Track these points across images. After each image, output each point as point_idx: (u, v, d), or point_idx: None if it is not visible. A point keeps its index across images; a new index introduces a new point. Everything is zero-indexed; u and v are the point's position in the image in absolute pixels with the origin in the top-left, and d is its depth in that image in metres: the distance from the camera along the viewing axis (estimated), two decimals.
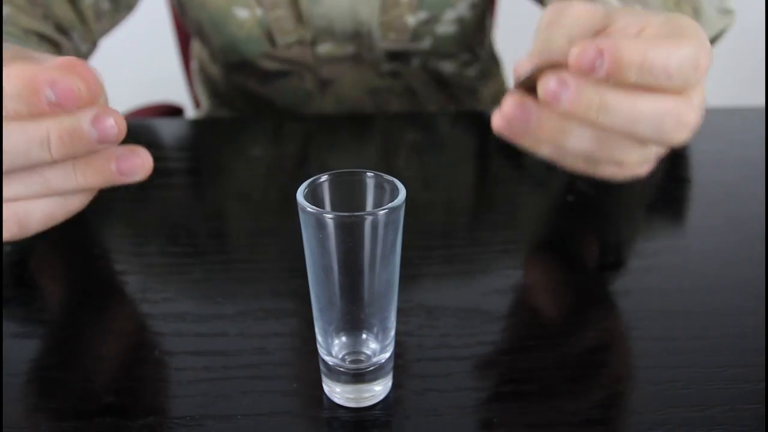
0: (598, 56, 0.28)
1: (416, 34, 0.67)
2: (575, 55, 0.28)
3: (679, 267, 0.40)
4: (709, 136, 0.59)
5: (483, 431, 0.29)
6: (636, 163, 0.33)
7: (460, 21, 0.69)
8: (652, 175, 0.50)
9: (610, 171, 0.33)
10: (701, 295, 0.37)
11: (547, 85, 0.29)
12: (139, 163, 0.31)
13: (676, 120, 0.30)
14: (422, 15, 0.66)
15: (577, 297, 0.38)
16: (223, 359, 0.33)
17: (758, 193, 0.48)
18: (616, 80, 0.29)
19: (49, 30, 0.52)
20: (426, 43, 0.69)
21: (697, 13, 0.51)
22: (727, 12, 0.54)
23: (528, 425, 0.29)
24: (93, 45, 0.59)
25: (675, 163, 0.54)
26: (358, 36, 0.65)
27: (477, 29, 0.73)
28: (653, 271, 0.39)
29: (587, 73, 0.28)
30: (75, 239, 0.43)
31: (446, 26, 0.68)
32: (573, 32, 0.32)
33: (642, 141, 0.31)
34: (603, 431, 0.28)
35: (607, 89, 0.29)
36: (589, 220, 0.45)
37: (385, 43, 0.67)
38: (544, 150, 0.33)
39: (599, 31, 0.33)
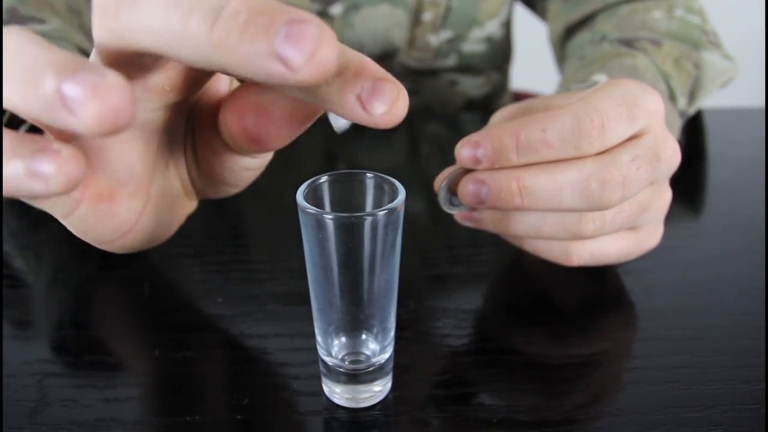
0: (476, 148, 0.30)
1: (439, 53, 0.67)
2: (458, 151, 0.30)
3: (679, 267, 0.40)
4: (709, 136, 0.59)
5: (483, 431, 0.28)
6: (599, 230, 0.33)
7: (489, 40, 0.69)
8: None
9: (586, 249, 0.35)
10: (701, 296, 0.37)
11: (465, 189, 0.31)
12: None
13: (600, 181, 0.30)
14: (446, 34, 0.65)
15: (578, 297, 0.38)
16: (222, 360, 0.33)
17: (758, 194, 0.48)
18: (506, 164, 0.30)
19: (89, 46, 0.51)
20: (451, 61, 0.69)
21: (698, 68, 0.51)
22: (728, 58, 0.55)
23: (528, 425, 0.29)
24: None
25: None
26: (385, 56, 0.65)
27: (506, 48, 0.73)
28: (653, 271, 0.39)
29: (474, 165, 0.30)
30: (74, 239, 0.43)
31: (473, 45, 0.68)
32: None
33: (575, 210, 0.31)
34: (602, 431, 0.28)
35: (523, 171, 0.30)
36: None
37: (409, 61, 0.67)
38: (513, 240, 0.36)
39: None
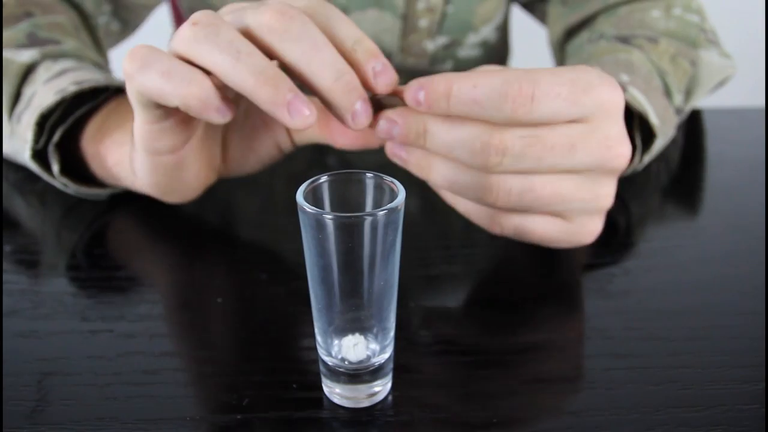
0: (419, 90, 0.32)
1: (436, 58, 0.67)
2: (406, 90, 0.32)
3: (680, 267, 0.40)
4: (710, 136, 0.59)
5: (483, 431, 0.28)
6: (505, 202, 0.34)
7: (484, 44, 0.69)
8: (654, 175, 0.51)
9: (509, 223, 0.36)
10: (701, 295, 0.37)
11: (379, 126, 0.34)
12: (307, 112, 0.30)
13: (483, 144, 0.32)
14: (442, 40, 0.66)
15: (578, 297, 0.38)
16: (222, 360, 0.33)
17: (758, 194, 0.48)
18: (439, 111, 0.32)
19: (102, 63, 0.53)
20: (447, 66, 0.69)
21: (695, 66, 0.51)
22: (727, 56, 0.55)
23: (528, 425, 0.29)
24: (105, 62, 0.60)
25: (677, 164, 0.54)
26: None
27: (502, 52, 0.73)
28: (653, 271, 0.39)
29: (416, 106, 0.32)
30: (75, 239, 0.43)
31: (469, 50, 0.68)
32: None
33: (464, 164, 0.33)
34: (602, 431, 0.28)
35: (429, 118, 0.33)
36: None
37: (404, 66, 0.67)
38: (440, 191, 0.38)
39: None
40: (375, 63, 0.32)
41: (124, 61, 0.32)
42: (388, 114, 0.34)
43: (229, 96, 0.32)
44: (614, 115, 0.33)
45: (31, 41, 0.47)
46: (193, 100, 0.31)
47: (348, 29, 0.32)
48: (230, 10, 0.33)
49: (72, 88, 0.42)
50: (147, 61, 0.31)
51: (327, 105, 0.32)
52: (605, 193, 0.35)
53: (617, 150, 0.33)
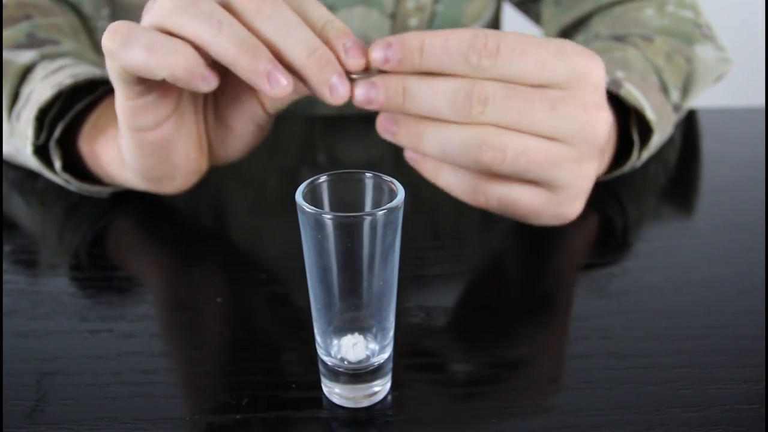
0: (387, 48, 0.32)
1: None
2: (371, 52, 0.33)
3: (680, 267, 0.40)
4: (709, 136, 0.59)
5: (483, 431, 0.28)
6: (499, 163, 0.34)
7: None
8: (652, 175, 0.51)
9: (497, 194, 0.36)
10: (701, 296, 0.37)
11: (358, 92, 0.33)
12: (285, 82, 0.31)
13: (466, 93, 0.32)
14: None
15: (577, 297, 0.38)
16: (222, 360, 0.33)
17: (758, 193, 0.48)
18: (410, 67, 0.32)
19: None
20: None
21: (691, 63, 0.52)
22: (722, 49, 0.55)
23: (527, 425, 0.29)
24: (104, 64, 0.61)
25: (675, 164, 0.54)
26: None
27: None
28: (653, 271, 0.39)
29: (383, 65, 0.32)
30: (74, 239, 0.43)
31: None
32: None
33: (446, 119, 0.33)
34: (602, 431, 0.28)
35: (407, 77, 0.33)
36: (589, 220, 0.45)
37: None
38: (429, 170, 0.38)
39: None
40: (345, 40, 0.32)
41: (105, 39, 0.32)
42: (372, 80, 0.34)
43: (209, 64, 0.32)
44: (593, 83, 0.33)
45: (31, 42, 0.47)
46: (179, 70, 0.31)
47: (319, 11, 0.33)
48: None
49: (68, 81, 0.42)
50: (129, 36, 0.31)
51: (304, 82, 0.32)
52: (590, 165, 0.35)
53: (596, 114, 0.34)
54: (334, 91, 0.32)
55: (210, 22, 0.31)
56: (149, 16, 0.32)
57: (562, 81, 0.33)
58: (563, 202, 0.36)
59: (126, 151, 0.38)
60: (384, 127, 0.36)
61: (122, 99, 0.35)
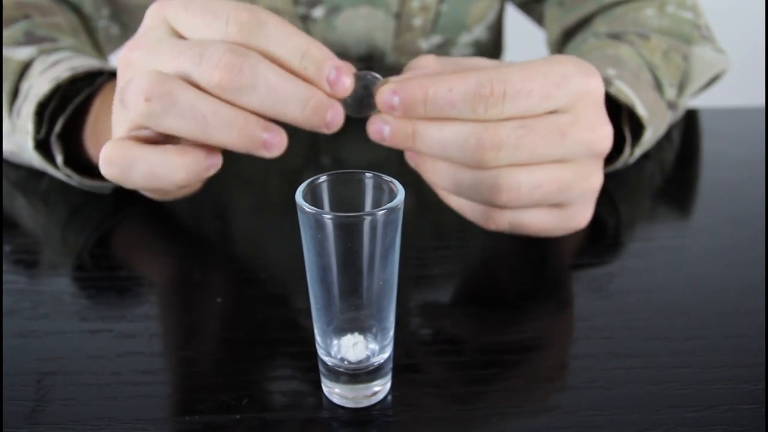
0: (392, 96, 0.32)
1: None
2: (379, 93, 0.33)
3: (679, 267, 0.40)
4: (709, 136, 0.59)
5: (483, 431, 0.28)
6: (515, 201, 0.34)
7: (476, 44, 0.69)
8: (649, 175, 0.51)
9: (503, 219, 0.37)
10: (701, 295, 0.37)
11: (371, 129, 0.34)
12: (281, 140, 0.32)
13: (478, 139, 0.32)
14: (436, 39, 0.66)
15: (577, 297, 0.38)
16: (221, 360, 0.33)
17: (758, 193, 0.48)
18: (415, 115, 0.32)
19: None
20: None
21: (687, 60, 0.52)
22: (721, 51, 0.55)
23: (527, 424, 0.29)
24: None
25: (674, 163, 0.54)
26: (370, 59, 0.65)
27: (493, 51, 0.74)
28: (653, 271, 0.39)
29: (390, 111, 0.33)
30: (74, 239, 0.43)
31: (462, 49, 0.68)
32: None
33: (458, 163, 0.34)
34: (602, 431, 0.28)
35: (419, 121, 0.33)
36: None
37: (397, 65, 0.67)
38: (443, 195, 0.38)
39: None
40: (328, 72, 0.31)
41: (103, 169, 0.32)
42: (385, 117, 0.34)
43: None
44: (594, 100, 0.34)
45: (28, 39, 0.47)
46: (183, 180, 0.32)
47: (290, 41, 0.31)
48: (171, 56, 0.31)
49: (66, 74, 0.42)
50: (126, 165, 0.32)
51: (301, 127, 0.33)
52: (596, 177, 0.36)
53: (600, 133, 0.34)
54: (332, 126, 0.32)
55: (194, 118, 0.30)
56: (128, 114, 0.32)
57: (566, 105, 0.33)
58: (573, 216, 0.37)
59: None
60: (408, 157, 0.37)
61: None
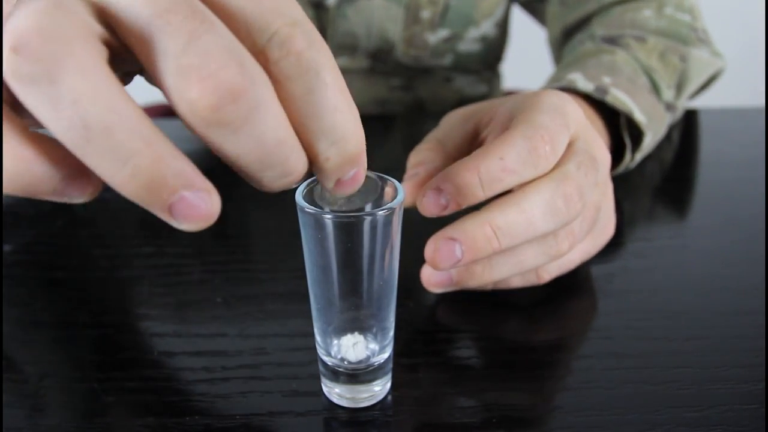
0: (439, 194, 0.30)
1: (436, 52, 0.67)
2: (419, 200, 0.31)
3: (679, 267, 0.40)
4: (709, 136, 0.59)
5: (483, 431, 0.28)
6: (574, 243, 0.35)
7: (484, 39, 0.69)
8: (649, 175, 0.51)
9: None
10: (701, 295, 0.37)
11: (438, 253, 0.30)
12: (205, 207, 0.20)
13: (563, 196, 0.31)
14: (443, 33, 0.66)
15: (577, 297, 0.38)
16: (222, 360, 0.33)
17: (758, 193, 0.48)
18: (474, 201, 0.30)
19: None
20: (447, 60, 0.69)
21: (685, 61, 0.52)
22: (717, 55, 0.55)
23: (527, 424, 0.29)
24: None
25: (675, 164, 0.54)
26: (379, 51, 0.65)
27: (500, 47, 0.74)
28: (653, 271, 0.39)
29: (442, 213, 0.31)
30: (74, 239, 0.43)
31: (469, 44, 0.68)
32: (450, 138, 0.37)
33: (549, 232, 0.32)
34: (602, 431, 0.28)
35: (489, 213, 0.30)
36: None
37: (405, 58, 0.67)
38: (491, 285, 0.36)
39: (471, 132, 0.37)
40: (350, 171, 0.22)
41: None
42: (444, 234, 0.30)
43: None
44: (585, 123, 0.34)
45: None
46: (15, 184, 0.20)
47: (329, 105, 0.21)
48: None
49: None
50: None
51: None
52: (611, 191, 0.37)
53: (606, 148, 0.36)
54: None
55: (70, 120, 0.18)
56: None
57: (573, 134, 0.33)
58: (603, 231, 0.38)
59: None
60: (440, 284, 0.35)
61: None
